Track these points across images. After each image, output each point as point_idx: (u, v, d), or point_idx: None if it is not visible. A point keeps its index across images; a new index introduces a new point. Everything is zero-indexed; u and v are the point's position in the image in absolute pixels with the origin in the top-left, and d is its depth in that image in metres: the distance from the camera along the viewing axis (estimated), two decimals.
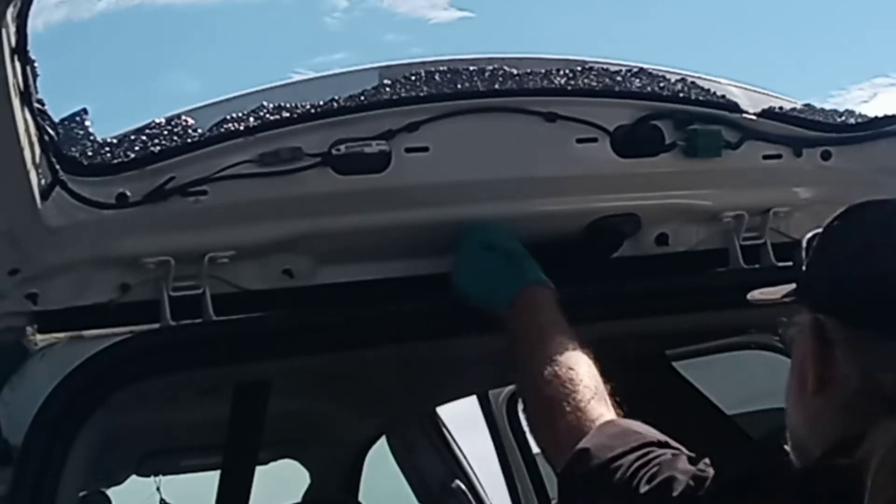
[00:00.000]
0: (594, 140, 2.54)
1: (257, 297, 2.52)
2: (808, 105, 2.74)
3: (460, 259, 2.50)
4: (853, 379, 1.60)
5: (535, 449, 4.66)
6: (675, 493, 1.69)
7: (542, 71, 2.55)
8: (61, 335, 2.45)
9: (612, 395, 2.10)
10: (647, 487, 1.72)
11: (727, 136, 2.61)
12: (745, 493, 1.64)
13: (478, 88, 2.49)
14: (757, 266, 2.74)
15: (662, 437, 1.86)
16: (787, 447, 1.74)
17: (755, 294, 1.93)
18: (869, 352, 1.59)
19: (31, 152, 2.09)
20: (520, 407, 2.23)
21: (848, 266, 1.66)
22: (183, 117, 2.37)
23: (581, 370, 2.13)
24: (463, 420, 4.66)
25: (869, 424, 1.55)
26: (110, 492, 4.19)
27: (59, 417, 2.30)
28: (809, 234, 1.76)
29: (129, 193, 2.30)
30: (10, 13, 1.86)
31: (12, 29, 1.90)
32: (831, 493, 1.55)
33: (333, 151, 2.39)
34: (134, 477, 4.32)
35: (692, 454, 1.80)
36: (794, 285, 1.78)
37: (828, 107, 2.75)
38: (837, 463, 1.56)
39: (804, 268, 1.73)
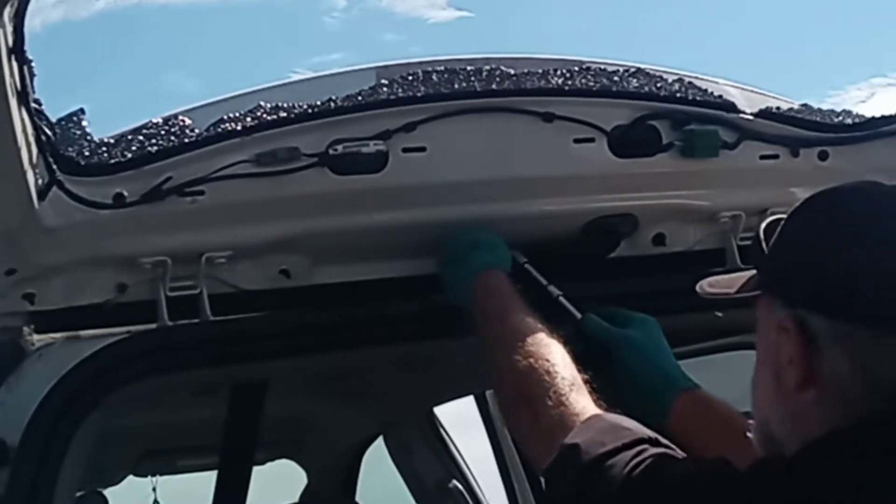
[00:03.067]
0: (591, 140, 2.54)
1: (254, 297, 2.52)
2: (805, 105, 2.74)
3: (441, 264, 2.50)
4: (846, 373, 1.57)
5: None
6: (684, 487, 1.66)
7: (540, 71, 2.55)
8: (58, 335, 2.45)
9: (586, 382, 2.05)
10: (651, 485, 1.68)
11: (724, 136, 2.61)
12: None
13: (475, 88, 2.49)
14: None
15: (652, 434, 1.79)
16: (752, 438, 1.71)
17: (705, 287, 1.90)
18: (864, 346, 1.55)
19: (28, 152, 2.09)
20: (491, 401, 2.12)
21: (831, 257, 1.60)
22: (180, 117, 2.37)
23: (556, 359, 2.07)
24: (460, 420, 4.66)
25: (863, 416, 1.54)
26: (107, 492, 4.19)
27: (55, 418, 2.30)
28: (767, 222, 1.70)
29: (126, 193, 2.30)
30: (7, 13, 1.86)
31: (9, 28, 1.90)
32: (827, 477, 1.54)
33: (330, 151, 2.39)
34: (131, 477, 4.32)
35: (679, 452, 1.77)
36: (746, 275, 1.74)
37: (825, 107, 2.76)
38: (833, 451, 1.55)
39: (768, 258, 1.67)
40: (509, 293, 2.32)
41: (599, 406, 1.99)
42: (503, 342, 2.16)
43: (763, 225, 1.72)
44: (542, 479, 1.91)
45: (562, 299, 2.48)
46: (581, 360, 2.18)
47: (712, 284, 1.89)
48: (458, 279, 2.42)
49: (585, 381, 2.05)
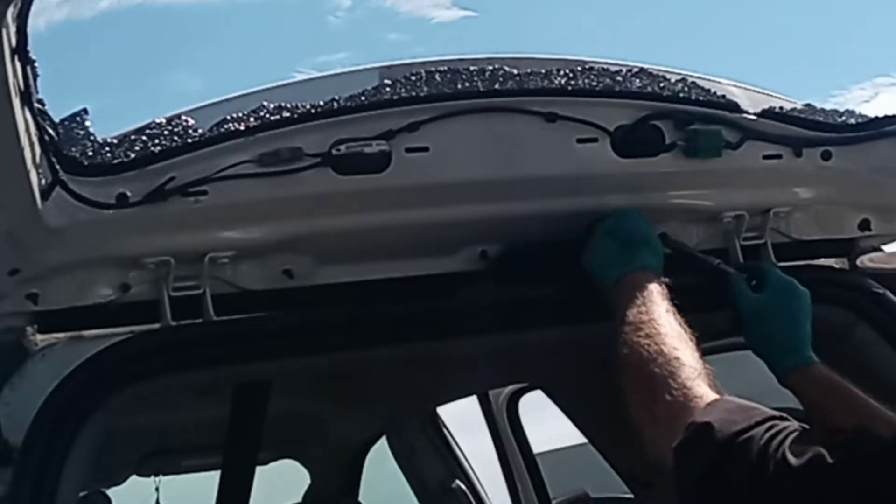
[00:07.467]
0: (594, 140, 2.54)
1: (257, 297, 2.52)
2: (808, 105, 2.73)
3: (591, 240, 2.54)
4: None
5: (535, 449, 4.67)
6: (829, 461, 1.73)
7: (543, 71, 2.55)
8: (61, 335, 2.46)
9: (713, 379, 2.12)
10: (796, 460, 1.75)
11: (727, 136, 2.61)
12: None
13: (478, 88, 2.49)
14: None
15: (778, 413, 1.89)
16: None
17: (865, 262, 1.95)
18: None
19: (31, 152, 2.10)
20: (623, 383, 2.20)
21: None
22: (183, 117, 2.37)
23: (686, 350, 2.16)
24: (463, 420, 4.66)
25: None
26: (110, 492, 4.19)
27: (59, 417, 2.30)
28: None
29: (129, 193, 2.30)
30: (11, 13, 1.86)
31: (13, 29, 1.90)
32: None
33: (333, 151, 2.39)
34: (134, 477, 4.32)
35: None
36: None
37: (829, 107, 2.75)
38: None
39: None
40: (659, 292, 2.37)
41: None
42: (639, 328, 2.24)
43: None
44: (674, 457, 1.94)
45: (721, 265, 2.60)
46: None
47: (872, 260, 1.94)
48: (616, 265, 2.46)
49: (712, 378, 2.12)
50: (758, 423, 1.84)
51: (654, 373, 2.11)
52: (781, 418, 1.87)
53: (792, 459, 1.76)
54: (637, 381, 2.16)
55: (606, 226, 2.53)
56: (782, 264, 2.75)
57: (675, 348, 2.15)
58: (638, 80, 2.61)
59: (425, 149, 2.44)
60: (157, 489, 4.39)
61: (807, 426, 1.86)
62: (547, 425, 4.69)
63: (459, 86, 2.48)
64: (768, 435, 1.81)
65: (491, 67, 2.53)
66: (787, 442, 1.79)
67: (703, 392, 2.03)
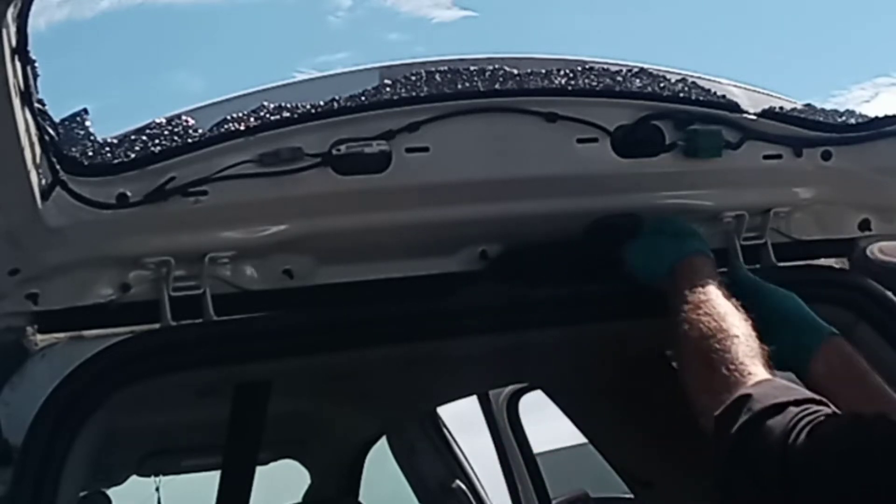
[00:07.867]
0: (594, 140, 2.54)
1: (257, 297, 2.52)
2: (808, 105, 2.74)
3: (638, 242, 2.57)
4: None
5: (535, 449, 4.68)
6: (842, 448, 1.82)
7: (543, 71, 2.55)
8: (62, 335, 2.45)
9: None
10: (813, 444, 1.83)
11: (727, 136, 2.61)
12: None
13: (478, 88, 2.49)
14: (757, 266, 2.74)
15: (820, 398, 1.97)
16: None
17: (876, 252, 2.01)
18: None
19: (31, 152, 2.09)
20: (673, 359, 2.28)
21: None
22: (183, 117, 2.37)
23: (744, 329, 2.23)
24: (463, 420, 4.66)
25: None
26: (110, 492, 4.19)
27: (59, 418, 2.30)
28: None
29: (129, 193, 2.30)
30: (11, 13, 1.86)
31: (13, 29, 1.90)
32: None
33: (334, 151, 2.39)
34: (134, 477, 4.32)
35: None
36: None
37: (829, 107, 2.76)
38: None
39: None
40: (714, 276, 2.42)
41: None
42: (698, 306, 2.30)
43: None
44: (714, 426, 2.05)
45: None
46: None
47: (882, 251, 2.01)
48: (669, 254, 2.49)
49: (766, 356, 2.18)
50: (796, 402, 1.92)
51: (714, 347, 2.18)
52: (820, 402, 1.94)
53: (809, 444, 1.83)
54: (696, 355, 2.22)
55: (651, 225, 2.57)
56: (782, 264, 2.75)
57: (734, 325, 2.23)
58: (638, 80, 2.61)
59: (425, 149, 2.44)
60: (157, 489, 4.39)
61: (839, 412, 1.93)
62: (547, 425, 4.69)
63: (459, 86, 2.48)
64: (800, 415, 1.88)
65: (491, 67, 2.53)
66: (812, 422, 1.86)
67: (758, 370, 2.11)
